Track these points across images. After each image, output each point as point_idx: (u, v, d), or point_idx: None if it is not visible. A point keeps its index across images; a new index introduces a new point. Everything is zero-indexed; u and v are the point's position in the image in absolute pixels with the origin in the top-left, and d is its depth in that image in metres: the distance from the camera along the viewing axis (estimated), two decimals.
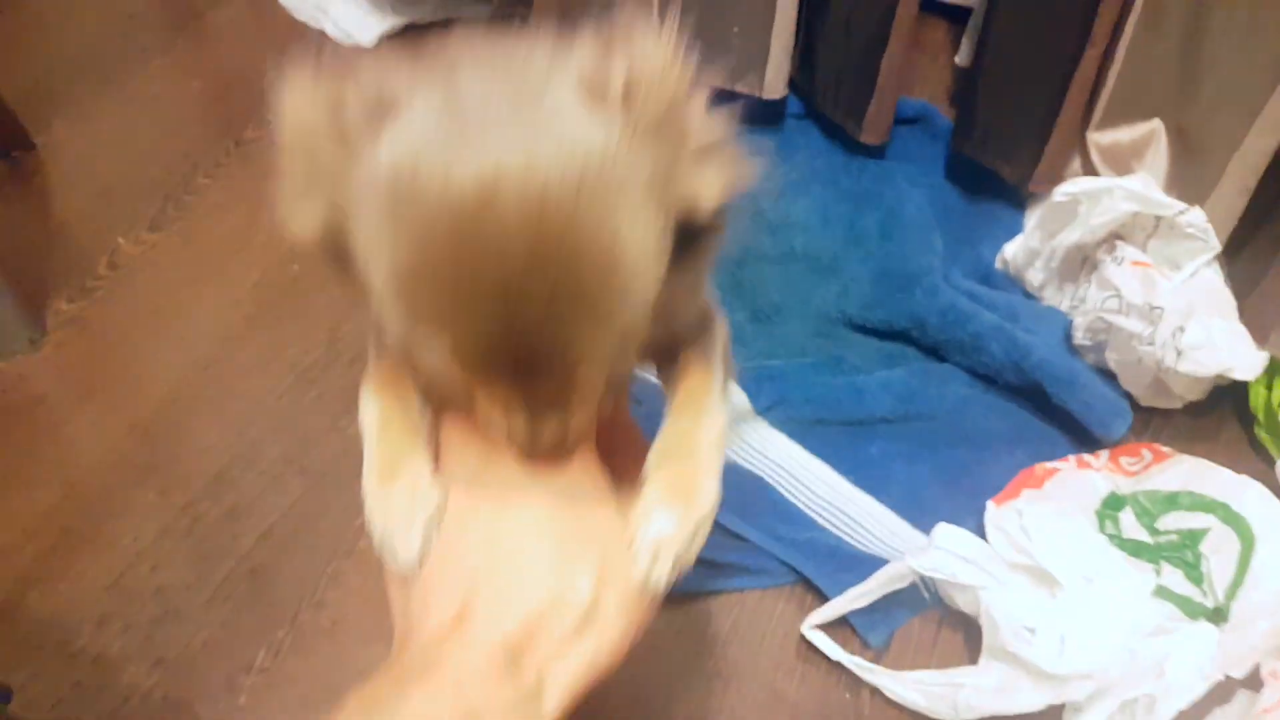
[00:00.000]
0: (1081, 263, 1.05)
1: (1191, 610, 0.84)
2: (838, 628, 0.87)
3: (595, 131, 0.39)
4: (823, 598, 0.88)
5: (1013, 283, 1.12)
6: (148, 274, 1.13)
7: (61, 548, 0.89)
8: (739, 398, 0.99)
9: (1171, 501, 0.92)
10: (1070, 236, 1.01)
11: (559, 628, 0.42)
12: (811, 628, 0.86)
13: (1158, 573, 0.86)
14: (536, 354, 0.40)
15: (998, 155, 1.17)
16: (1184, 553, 0.87)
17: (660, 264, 0.41)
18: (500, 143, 0.38)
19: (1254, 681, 0.83)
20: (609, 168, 0.38)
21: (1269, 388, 1.00)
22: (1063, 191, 1.00)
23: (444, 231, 0.37)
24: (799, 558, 0.89)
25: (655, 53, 0.41)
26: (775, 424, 0.99)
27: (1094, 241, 1.00)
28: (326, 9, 1.41)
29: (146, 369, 1.04)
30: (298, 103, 0.40)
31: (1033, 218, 1.09)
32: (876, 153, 1.26)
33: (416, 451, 0.48)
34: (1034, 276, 1.09)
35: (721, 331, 0.56)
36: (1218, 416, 1.05)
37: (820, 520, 0.94)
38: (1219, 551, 0.87)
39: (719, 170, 0.43)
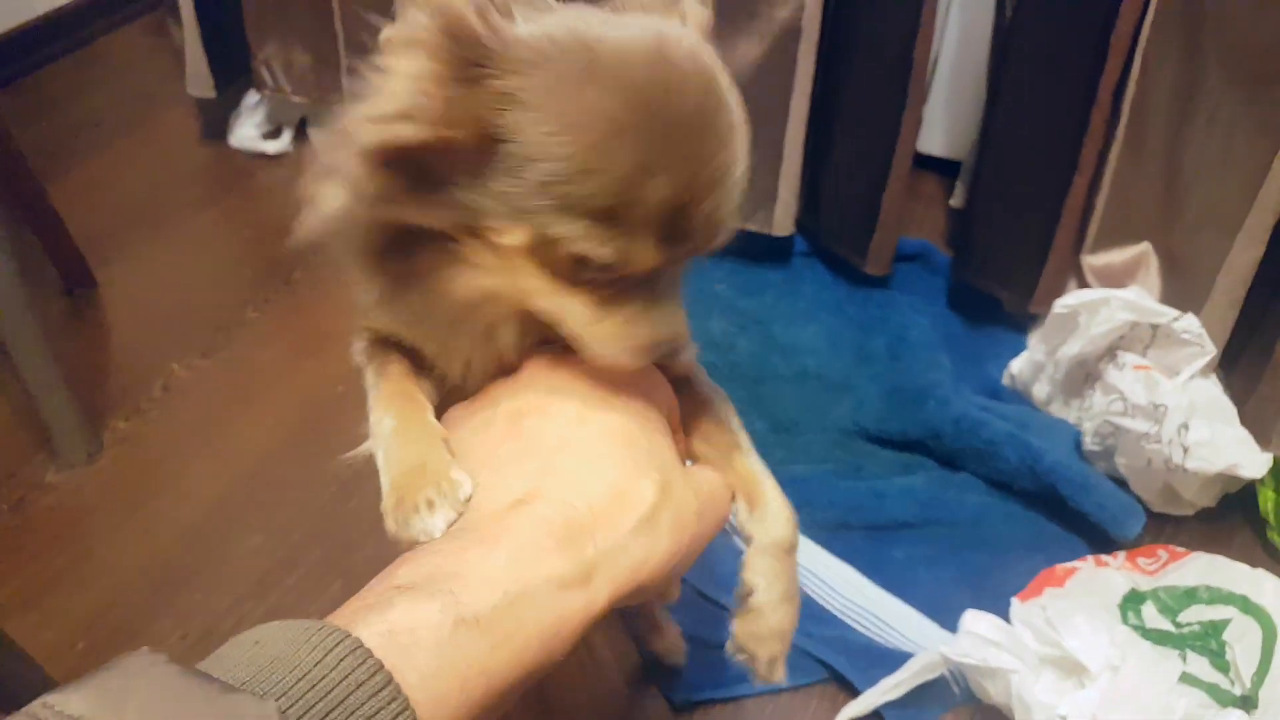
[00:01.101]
0: (1084, 377, 1.10)
1: (1220, 697, 0.85)
2: None
3: (706, 41, 0.46)
4: (854, 693, 0.89)
5: (1020, 398, 1.18)
6: (198, 396, 1.19)
7: (110, 646, 0.91)
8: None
9: (1191, 596, 0.94)
10: (1073, 348, 1.07)
11: (620, 522, 0.44)
12: None
13: (1184, 660, 0.87)
14: (724, 194, 0.44)
15: (997, 281, 1.25)
16: (1208, 641, 0.89)
17: None
18: (636, 20, 0.44)
19: None
20: (719, 62, 0.46)
21: (1277, 490, 1.04)
22: (1063, 304, 1.07)
23: (637, 87, 0.41)
24: (830, 653, 0.90)
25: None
26: (799, 528, 1.02)
27: (1095, 352, 1.06)
28: None
29: (195, 482, 1.09)
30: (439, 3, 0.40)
31: (1035, 334, 1.15)
32: (880, 284, 1.34)
33: (438, 450, 0.49)
34: (1040, 391, 1.14)
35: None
36: (1229, 524, 1.08)
37: (848, 620, 0.96)
38: (1242, 640, 0.89)
39: None
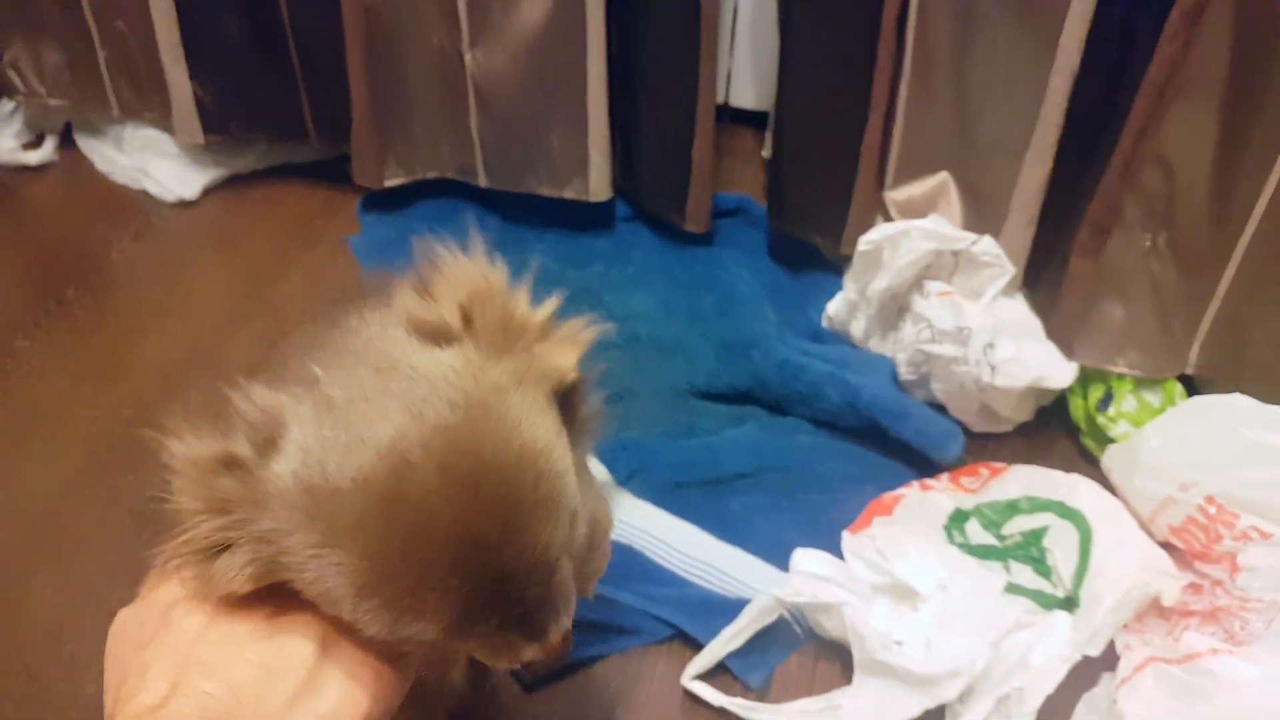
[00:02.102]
0: (896, 310, 1.12)
1: (1045, 602, 0.88)
2: (718, 675, 0.86)
3: (456, 364, 0.43)
4: (699, 648, 0.88)
5: (839, 338, 1.19)
6: None
7: None
8: (599, 471, 1.00)
9: (1012, 508, 0.97)
10: (881, 283, 1.08)
11: (271, 697, 0.42)
12: (691, 678, 0.85)
13: (1008, 570, 0.90)
14: (518, 575, 0.43)
15: (809, 228, 1.25)
16: (1030, 550, 0.92)
17: (561, 434, 0.46)
18: (382, 415, 0.41)
19: (1112, 661, 0.86)
20: (483, 387, 0.43)
21: (1084, 396, 1.08)
22: (866, 240, 1.08)
23: (378, 517, 0.40)
24: (671, 611, 0.89)
25: (470, 274, 0.46)
26: (637, 493, 1.00)
27: (902, 284, 1.07)
28: (146, 169, 1.41)
29: None
30: (187, 458, 0.42)
31: (848, 274, 1.16)
32: (704, 241, 1.33)
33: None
34: (856, 329, 1.16)
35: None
36: (1048, 435, 1.11)
37: (690, 577, 0.94)
38: (1061, 545, 0.92)
39: (564, 340, 0.49)
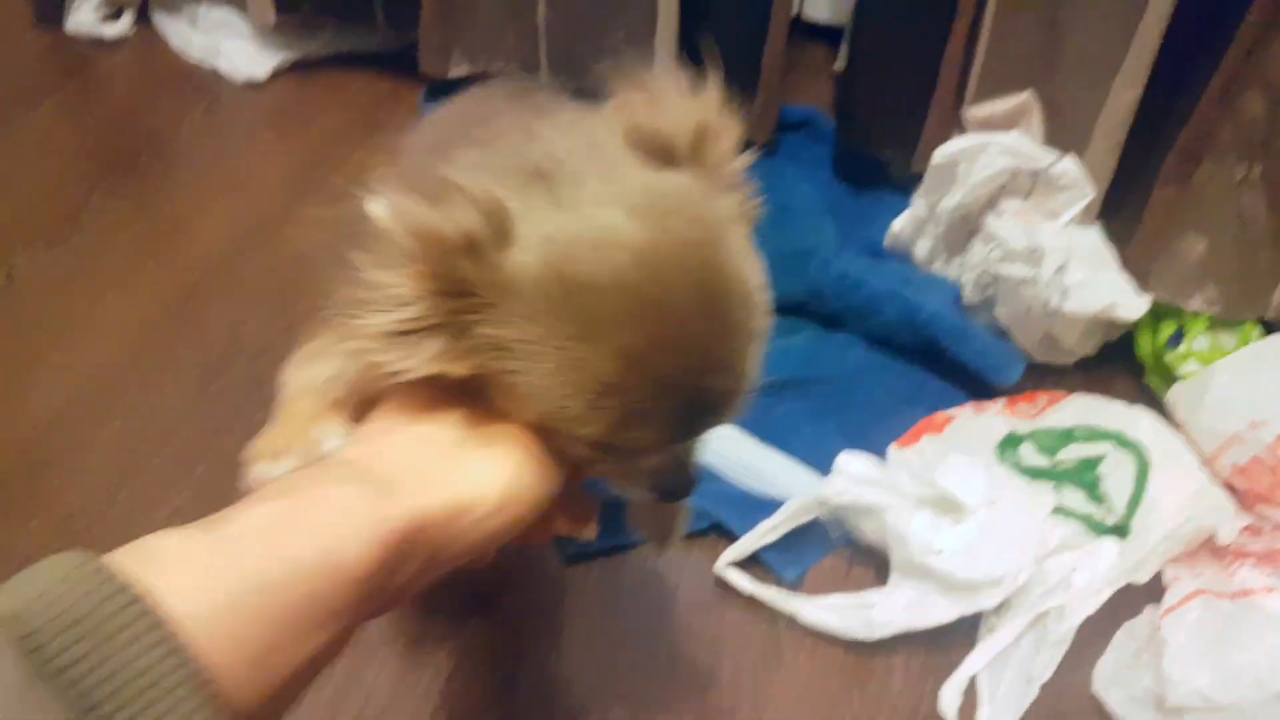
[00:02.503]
0: (966, 232, 1.08)
1: (1094, 527, 0.86)
2: (752, 567, 0.86)
3: (692, 187, 0.45)
4: (734, 542, 0.87)
5: (902, 258, 1.16)
6: (46, 287, 1.11)
7: None
8: None
9: (1068, 436, 0.94)
10: (953, 199, 1.04)
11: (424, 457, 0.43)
12: (726, 565, 0.84)
13: (1058, 493, 0.87)
14: (729, 403, 0.46)
15: (880, 143, 1.22)
16: (1083, 476, 0.89)
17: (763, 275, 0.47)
18: (627, 220, 0.42)
19: (1157, 594, 0.84)
20: (719, 215, 0.45)
21: (1154, 332, 1.04)
22: (942, 153, 1.05)
23: (639, 318, 0.41)
24: (711, 503, 0.88)
25: (702, 108, 0.47)
26: None
27: (975, 203, 1.04)
28: (219, 48, 1.42)
29: (49, 372, 1.01)
30: (423, 233, 0.40)
31: (918, 191, 1.13)
32: (766, 153, 1.30)
33: (318, 411, 0.50)
34: (922, 249, 1.12)
35: None
36: (1109, 371, 1.07)
37: (731, 476, 0.93)
38: (1116, 473, 0.89)
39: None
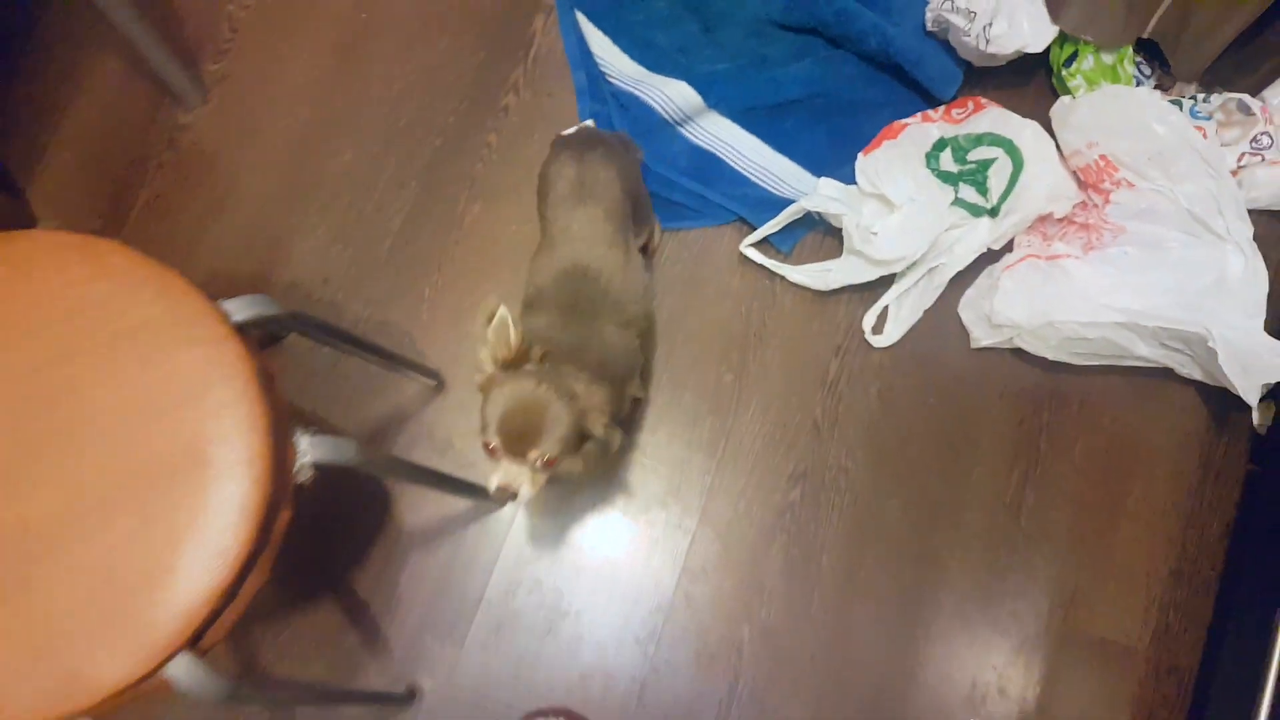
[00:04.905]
0: None
1: (975, 211, 1.38)
2: (762, 246, 1.42)
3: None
4: (752, 229, 1.42)
5: None
6: (260, 32, 1.54)
7: (272, 250, 1.42)
8: (693, 96, 1.45)
9: (979, 140, 1.42)
10: None
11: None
12: (746, 245, 1.41)
13: (957, 190, 1.39)
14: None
15: None
16: (977, 176, 1.39)
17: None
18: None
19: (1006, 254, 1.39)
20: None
21: (1060, 47, 1.45)
22: None
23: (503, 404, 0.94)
24: (738, 205, 1.42)
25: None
26: (721, 112, 1.47)
27: None
28: None
29: (284, 107, 1.49)
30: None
31: None
32: None
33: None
34: None
35: None
36: (1032, 69, 1.51)
37: (753, 178, 1.45)
38: (999, 173, 1.39)
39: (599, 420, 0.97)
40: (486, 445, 0.94)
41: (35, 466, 0.74)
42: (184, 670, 0.75)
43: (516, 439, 0.92)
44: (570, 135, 1.21)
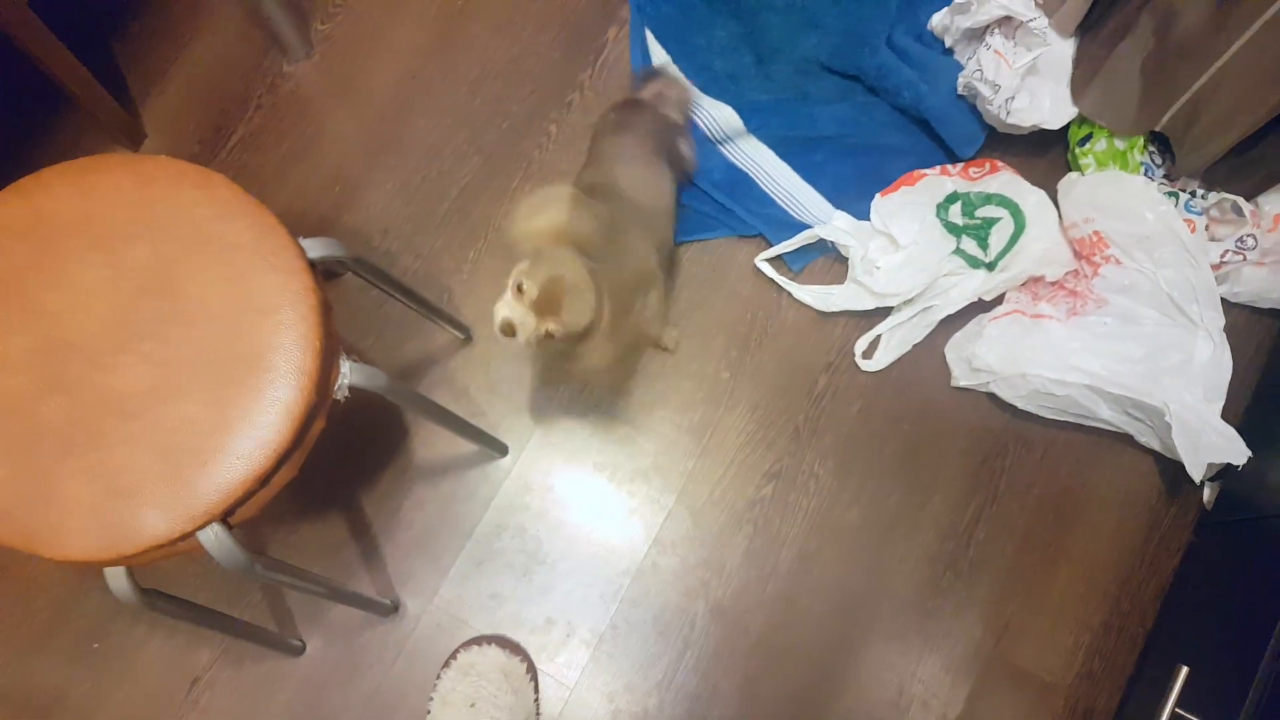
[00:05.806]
0: (974, 41, 1.58)
1: (974, 263, 1.52)
2: (775, 262, 1.57)
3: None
4: (769, 245, 1.57)
5: (937, 39, 1.66)
6: (367, 2, 1.71)
7: (350, 190, 1.60)
8: (736, 120, 1.60)
9: (988, 199, 1.55)
10: (964, 23, 1.54)
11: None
12: (760, 259, 1.56)
13: (959, 241, 1.52)
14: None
15: None
16: (980, 231, 1.53)
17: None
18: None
19: (996, 307, 1.53)
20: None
21: (1079, 126, 1.58)
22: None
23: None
24: (760, 222, 1.57)
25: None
26: (759, 138, 1.61)
27: (978, 28, 1.54)
28: None
29: (377, 73, 1.66)
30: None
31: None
32: None
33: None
34: (949, 39, 1.63)
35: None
36: (1052, 142, 1.63)
37: (778, 200, 1.59)
38: (1001, 232, 1.52)
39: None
40: (518, 286, 1.03)
41: (136, 343, 0.91)
42: (214, 537, 0.89)
43: (548, 300, 1.02)
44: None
